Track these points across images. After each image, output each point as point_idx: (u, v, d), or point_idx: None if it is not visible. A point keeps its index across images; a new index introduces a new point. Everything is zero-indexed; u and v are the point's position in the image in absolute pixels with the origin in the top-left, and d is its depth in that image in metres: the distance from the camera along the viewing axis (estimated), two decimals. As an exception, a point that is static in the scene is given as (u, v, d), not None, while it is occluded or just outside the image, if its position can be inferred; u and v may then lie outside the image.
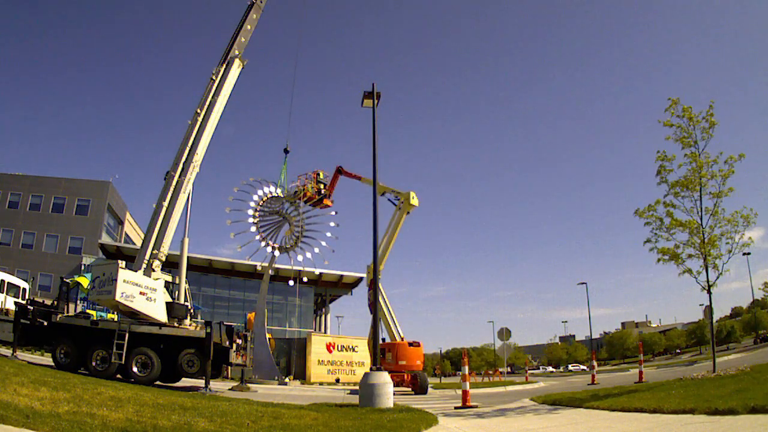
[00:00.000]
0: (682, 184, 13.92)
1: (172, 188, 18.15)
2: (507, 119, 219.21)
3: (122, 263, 16.17)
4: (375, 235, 13.50)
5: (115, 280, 15.53)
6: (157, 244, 17.60)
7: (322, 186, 28.52)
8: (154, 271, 17.21)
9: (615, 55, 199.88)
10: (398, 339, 23.64)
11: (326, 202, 28.50)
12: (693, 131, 14.20)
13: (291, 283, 29.81)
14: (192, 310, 18.73)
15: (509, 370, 71.37)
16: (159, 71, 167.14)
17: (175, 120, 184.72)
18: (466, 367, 13.89)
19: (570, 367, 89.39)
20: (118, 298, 15.47)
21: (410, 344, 22.86)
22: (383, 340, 23.72)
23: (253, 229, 27.05)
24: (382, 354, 22.30)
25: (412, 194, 25.62)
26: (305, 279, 29.61)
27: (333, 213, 27.56)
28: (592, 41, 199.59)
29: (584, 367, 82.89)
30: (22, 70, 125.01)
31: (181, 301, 18.19)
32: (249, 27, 21.27)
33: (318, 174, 28.59)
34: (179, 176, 18.31)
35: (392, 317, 24.71)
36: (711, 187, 13.72)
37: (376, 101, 14.67)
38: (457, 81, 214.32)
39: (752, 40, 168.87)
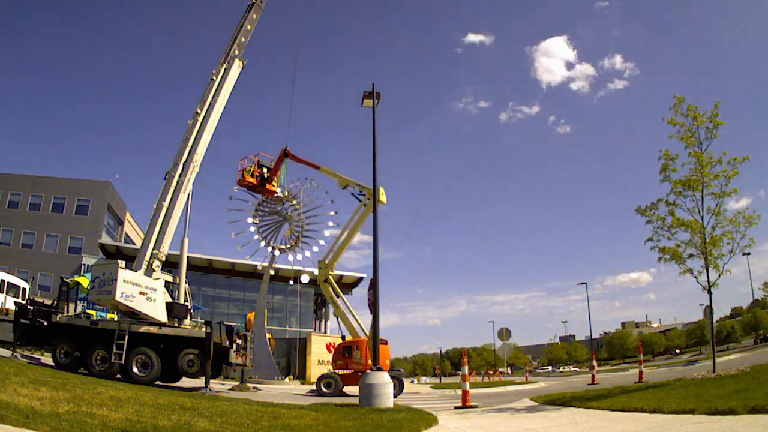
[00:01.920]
0: (685, 183, 13.89)
1: (172, 188, 18.16)
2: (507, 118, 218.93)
3: (122, 263, 16.18)
4: (375, 234, 13.49)
5: (115, 280, 15.55)
6: (157, 244, 17.62)
7: (266, 170, 26.29)
8: (154, 271, 17.22)
9: (617, 53, 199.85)
10: (362, 337, 22.57)
11: (269, 187, 26.33)
12: (697, 131, 14.17)
13: (291, 282, 29.78)
14: (192, 310, 18.74)
15: (509, 370, 71.35)
16: (159, 71, 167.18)
17: (176, 120, 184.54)
18: (466, 367, 13.88)
19: (560, 368, 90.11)
20: (118, 298, 15.49)
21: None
22: (343, 338, 23.28)
23: (253, 229, 27.12)
24: (348, 353, 21.63)
25: (381, 190, 23.05)
26: (305, 279, 29.52)
27: (333, 213, 27.57)
28: (595, 39, 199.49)
29: (575, 369, 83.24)
30: (21, 69, 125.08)
31: (181, 301, 18.20)
32: (249, 27, 21.28)
33: (258, 157, 26.30)
34: (179, 176, 18.32)
35: (352, 313, 24.11)
36: (714, 187, 13.70)
37: (376, 101, 14.70)
38: (458, 81, 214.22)
39: (759, 41, 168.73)
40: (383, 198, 23.41)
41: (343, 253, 24.89)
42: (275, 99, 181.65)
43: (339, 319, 23.81)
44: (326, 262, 24.62)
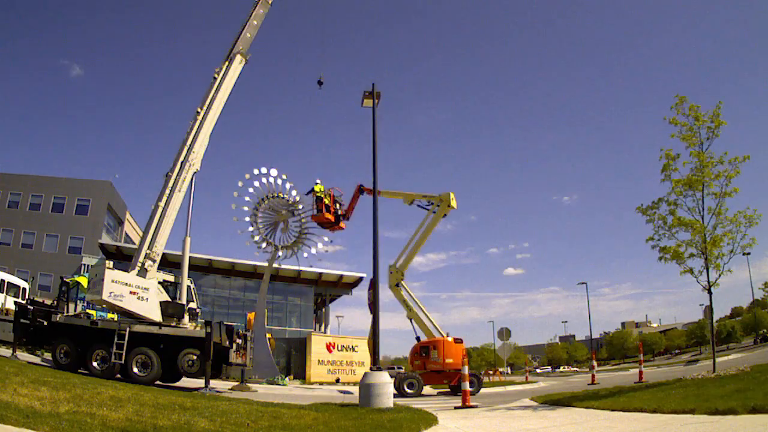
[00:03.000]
0: (686, 183, 13.89)
1: (169, 188, 18.16)
2: (508, 118, 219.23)
3: (110, 263, 16.26)
4: (375, 235, 13.45)
5: (103, 279, 15.64)
6: (151, 244, 17.61)
7: (338, 206, 26.87)
8: (147, 270, 17.20)
9: (619, 52, 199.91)
10: (438, 336, 22.77)
11: (342, 225, 27.07)
12: (698, 131, 14.16)
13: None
14: (199, 311, 18.74)
15: (509, 370, 71.26)
16: (160, 70, 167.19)
17: (177, 119, 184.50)
18: (466, 368, 13.90)
19: (559, 368, 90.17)
20: (105, 297, 15.56)
21: (455, 341, 22.14)
22: (417, 339, 23.38)
23: (251, 228, 27.23)
24: (425, 353, 21.96)
25: (452, 195, 23.82)
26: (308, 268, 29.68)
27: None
28: (596, 38, 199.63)
29: (575, 369, 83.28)
30: (22, 69, 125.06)
31: (183, 300, 18.20)
32: (255, 22, 21.26)
33: (331, 194, 26.63)
34: (176, 175, 18.31)
35: (425, 315, 23.96)
36: (715, 187, 13.70)
37: (376, 101, 14.63)
38: (457, 81, 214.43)
39: (759, 39, 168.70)
40: (454, 203, 23.97)
41: (415, 257, 25.07)
42: (280, 100, 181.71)
43: (413, 321, 23.80)
44: (397, 266, 24.72)
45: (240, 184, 26.57)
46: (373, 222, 13.69)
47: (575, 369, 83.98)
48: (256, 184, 27.42)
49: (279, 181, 27.79)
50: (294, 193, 27.65)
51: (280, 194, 27.47)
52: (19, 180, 51.38)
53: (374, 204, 13.92)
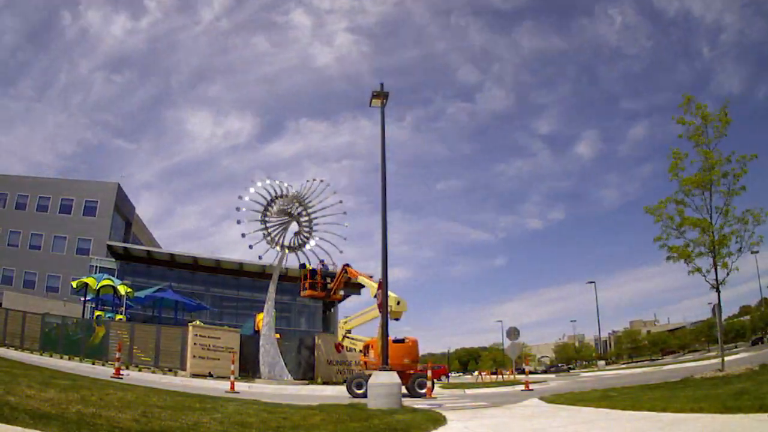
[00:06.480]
0: (693, 181, 13.88)
1: None
2: (508, 116, 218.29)
3: None
4: (384, 236, 13.42)
5: None
6: None
7: (328, 279, 30.42)
8: None
9: (628, 48, 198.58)
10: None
11: (333, 297, 31.24)
12: (706, 130, 14.14)
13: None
14: None
15: (517, 369, 71.02)
16: (165, 69, 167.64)
17: (180, 119, 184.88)
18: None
19: (566, 367, 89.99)
20: None
21: (395, 341, 21.29)
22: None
23: (261, 226, 27.12)
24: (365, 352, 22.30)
25: (403, 303, 24.54)
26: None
27: (343, 213, 27.80)
28: (605, 31, 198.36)
29: (583, 368, 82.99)
30: (24, 68, 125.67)
31: None
32: None
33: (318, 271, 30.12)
34: None
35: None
36: (722, 185, 13.69)
37: (384, 101, 14.47)
38: (458, 80, 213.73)
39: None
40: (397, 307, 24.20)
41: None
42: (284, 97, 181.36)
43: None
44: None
45: (252, 189, 26.54)
46: (383, 222, 13.62)
47: (583, 368, 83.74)
48: (266, 182, 27.31)
49: (286, 183, 27.64)
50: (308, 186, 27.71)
51: (291, 195, 27.26)
52: (26, 182, 51.63)
53: (383, 203, 13.76)
